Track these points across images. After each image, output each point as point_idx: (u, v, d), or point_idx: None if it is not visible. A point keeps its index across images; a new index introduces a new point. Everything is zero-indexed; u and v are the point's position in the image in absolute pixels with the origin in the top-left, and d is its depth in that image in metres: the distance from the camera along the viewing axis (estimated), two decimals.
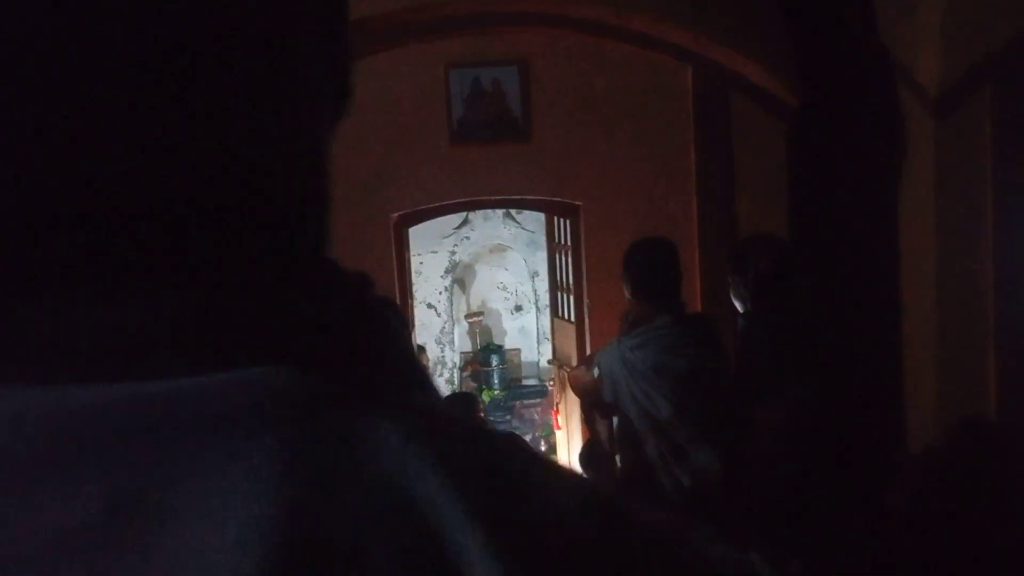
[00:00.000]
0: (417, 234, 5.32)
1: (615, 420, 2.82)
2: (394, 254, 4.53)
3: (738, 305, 2.90)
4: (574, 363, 4.87)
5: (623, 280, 2.80)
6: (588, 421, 3.05)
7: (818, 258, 3.88)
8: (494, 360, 6.77)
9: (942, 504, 3.49)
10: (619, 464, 2.90)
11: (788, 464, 2.69)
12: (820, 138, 4.80)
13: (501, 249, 7.09)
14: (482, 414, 3.97)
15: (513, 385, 6.93)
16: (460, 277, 7.16)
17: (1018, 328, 4.59)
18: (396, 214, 4.55)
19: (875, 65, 4.92)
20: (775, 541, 2.78)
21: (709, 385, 2.73)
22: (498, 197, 4.70)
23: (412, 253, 5.06)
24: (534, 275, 7.00)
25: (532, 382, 7.06)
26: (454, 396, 5.05)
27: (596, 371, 2.81)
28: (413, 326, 5.00)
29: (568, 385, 4.97)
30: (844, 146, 4.96)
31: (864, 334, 4.32)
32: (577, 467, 3.98)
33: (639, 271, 2.74)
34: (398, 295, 4.49)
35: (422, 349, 5.32)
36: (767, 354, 2.68)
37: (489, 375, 6.75)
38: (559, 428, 5.40)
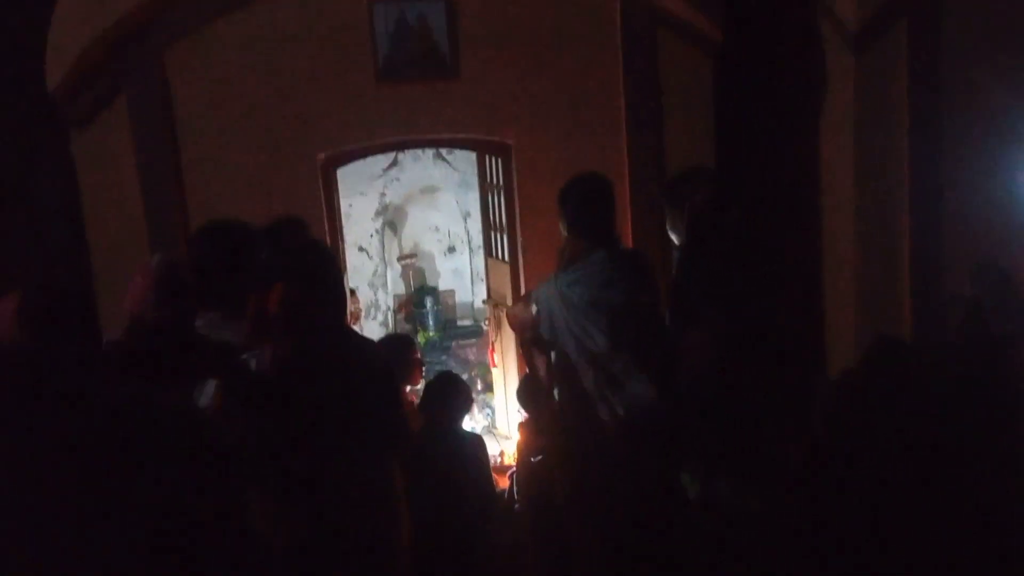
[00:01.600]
0: (346, 176, 5.22)
1: (552, 355, 2.87)
2: (322, 196, 4.44)
3: (674, 238, 2.96)
4: (509, 302, 4.91)
5: (559, 217, 2.82)
6: (526, 357, 3.10)
7: (744, 188, 3.96)
8: (428, 302, 6.76)
9: (858, 425, 3.69)
10: (556, 397, 2.96)
11: (714, 387, 2.79)
12: (744, 72, 4.86)
13: (432, 190, 7.02)
14: (418, 355, 3.97)
15: (448, 326, 6.95)
16: (391, 219, 7.07)
17: (930, 256, 4.83)
18: (323, 154, 4.44)
19: (796, 0, 4.99)
20: (703, 460, 2.90)
21: (643, 317, 2.80)
22: (428, 136, 4.63)
23: (341, 196, 4.97)
24: (466, 215, 6.96)
25: (467, 322, 7.09)
26: (390, 337, 5.04)
27: (534, 308, 2.84)
28: (345, 269, 4.95)
29: (506, 323, 5.02)
30: (767, 79, 5.05)
31: (788, 262, 4.47)
32: (516, 402, 4.05)
33: (574, 208, 2.76)
34: (328, 237, 4.42)
35: (352, 292, 5.28)
36: (700, 284, 2.75)
37: (424, 317, 6.75)
38: (495, 366, 5.47)
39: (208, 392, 2.15)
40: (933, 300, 4.84)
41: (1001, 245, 4.18)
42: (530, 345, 2.98)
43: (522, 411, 3.79)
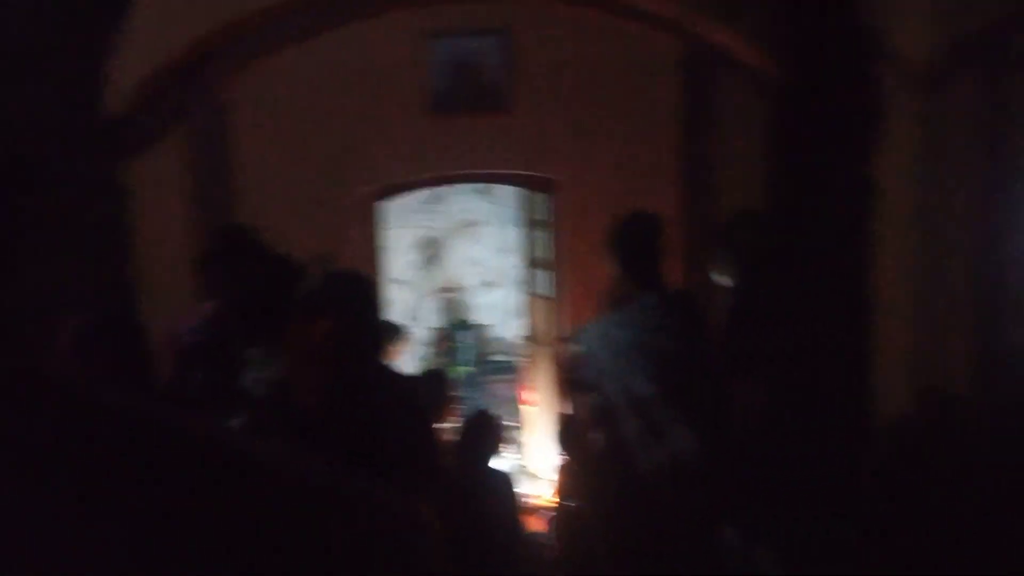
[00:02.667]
0: (387, 207, 5.22)
1: (595, 398, 2.78)
2: (370, 230, 4.43)
3: (721, 282, 2.87)
4: (548, 340, 4.83)
5: (608, 255, 2.75)
6: (568, 398, 3.01)
7: (798, 235, 3.86)
8: (464, 336, 6.71)
9: (909, 478, 3.54)
10: (598, 442, 2.87)
11: (766, 442, 2.68)
12: (803, 114, 4.77)
13: (473, 224, 7.00)
14: (452, 391, 3.90)
15: (483, 361, 6.88)
16: (431, 252, 7.06)
17: (994, 305, 4.65)
18: (370, 188, 4.44)
19: (859, 41, 4.90)
20: (751, 517, 2.78)
21: (691, 365, 2.70)
22: (475, 171, 4.60)
23: (383, 227, 4.96)
24: (506, 251, 6.93)
25: (502, 358, 7.02)
26: (425, 372, 4.97)
27: (579, 348, 2.76)
28: (385, 306, 4.92)
29: (542, 361, 4.94)
30: (826, 123, 4.94)
31: (839, 314, 4.34)
32: (551, 444, 3.95)
33: (625, 247, 2.69)
34: (371, 269, 4.40)
35: (403, 328, 5.23)
36: (753, 332, 2.65)
37: (459, 351, 6.70)
38: (530, 404, 5.37)
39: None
40: (995, 352, 4.66)
41: None
42: (572, 387, 2.89)
43: (561, 453, 3.69)
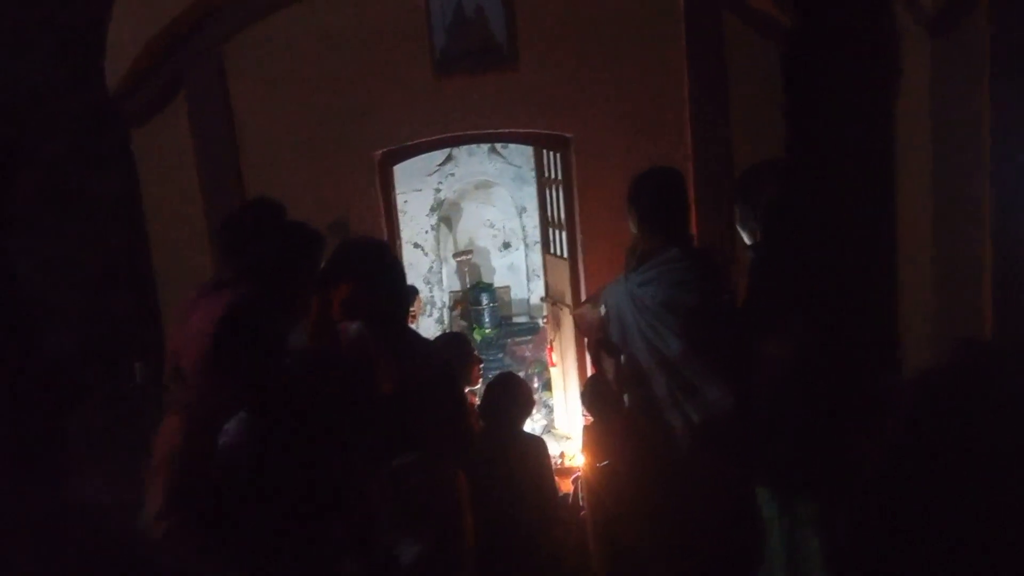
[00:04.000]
0: (401, 172, 5.16)
1: (622, 358, 2.75)
2: (379, 193, 4.37)
3: (745, 236, 2.80)
4: (567, 299, 4.79)
5: (629, 213, 2.69)
6: (594, 359, 2.97)
7: (816, 182, 3.77)
8: (484, 299, 6.67)
9: (936, 430, 3.50)
10: (626, 402, 2.84)
11: (794, 398, 2.63)
12: (814, 59, 4.65)
13: (487, 185, 6.91)
14: (476, 354, 3.88)
15: (504, 323, 6.85)
16: (446, 215, 7.00)
17: (1014, 249, 4.56)
18: (380, 151, 4.37)
19: None
20: (783, 476, 2.75)
21: (719, 320, 2.66)
22: (486, 131, 4.52)
23: (397, 192, 4.91)
24: (522, 211, 6.85)
25: (523, 319, 6.99)
26: (448, 336, 4.96)
27: (603, 309, 2.72)
28: (404, 271, 4.89)
29: (564, 321, 4.91)
30: (838, 65, 4.82)
31: (863, 258, 4.26)
32: (577, 402, 3.93)
33: (647, 203, 2.63)
34: (386, 235, 4.35)
35: (415, 291, 5.21)
36: (778, 286, 2.59)
37: (480, 314, 6.66)
38: (554, 365, 5.36)
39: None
40: (1016, 298, 4.58)
41: None
42: (598, 348, 2.86)
43: (586, 413, 3.68)
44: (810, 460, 2.62)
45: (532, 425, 5.19)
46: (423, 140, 4.45)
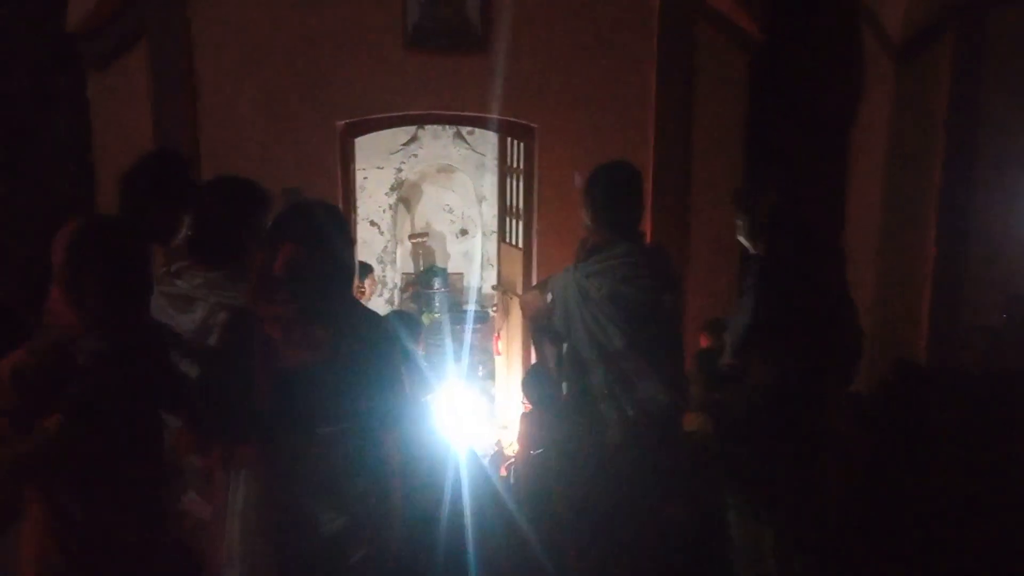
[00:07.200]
0: (363, 147, 5.10)
1: (564, 347, 2.75)
2: (339, 164, 4.32)
3: (748, 245, 2.80)
4: (519, 290, 4.79)
5: (583, 205, 2.69)
6: (536, 346, 2.97)
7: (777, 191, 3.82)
8: (436, 282, 6.62)
9: (876, 441, 3.59)
10: (564, 391, 2.84)
11: (771, 418, 2.66)
12: (782, 73, 4.72)
13: (449, 170, 6.87)
14: (422, 336, 3.85)
15: (454, 309, 6.82)
16: (405, 196, 6.94)
17: (953, 281, 4.70)
18: (343, 121, 4.32)
19: (841, 5, 4.85)
20: (748, 487, 2.79)
21: (663, 317, 2.67)
22: (452, 112, 4.49)
23: (357, 167, 4.85)
24: (482, 199, 6.82)
25: (474, 307, 6.97)
26: (396, 313, 4.91)
27: (549, 296, 2.72)
28: (355, 241, 4.84)
29: (513, 311, 4.90)
30: (805, 84, 4.90)
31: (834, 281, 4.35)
32: (519, 392, 3.92)
33: (601, 197, 2.63)
34: (342, 206, 4.30)
35: (371, 269, 5.15)
36: (784, 296, 2.60)
37: (430, 297, 6.62)
38: (499, 354, 5.35)
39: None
40: (952, 327, 4.71)
41: None
42: (541, 335, 2.85)
43: (525, 402, 3.68)
44: (778, 467, 2.67)
45: (473, 412, 5.19)
46: (387, 115, 4.40)
